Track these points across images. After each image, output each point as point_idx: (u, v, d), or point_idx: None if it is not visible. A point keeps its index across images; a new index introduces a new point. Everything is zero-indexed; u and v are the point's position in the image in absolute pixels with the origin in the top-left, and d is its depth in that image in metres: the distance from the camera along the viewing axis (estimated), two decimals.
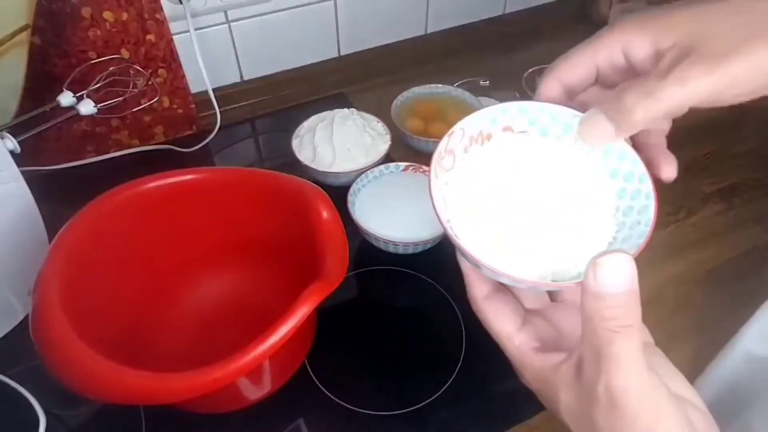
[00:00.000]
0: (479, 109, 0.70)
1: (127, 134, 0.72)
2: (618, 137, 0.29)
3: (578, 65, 0.31)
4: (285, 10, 0.78)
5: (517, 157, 0.32)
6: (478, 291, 0.31)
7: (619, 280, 0.23)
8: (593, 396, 0.26)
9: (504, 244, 0.30)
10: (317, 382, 0.49)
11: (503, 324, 0.31)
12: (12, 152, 0.52)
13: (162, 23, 0.66)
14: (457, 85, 0.77)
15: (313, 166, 0.64)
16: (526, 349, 0.30)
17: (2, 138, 0.52)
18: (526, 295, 0.33)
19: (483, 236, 0.30)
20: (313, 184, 0.48)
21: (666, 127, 0.33)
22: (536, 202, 0.31)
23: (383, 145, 0.66)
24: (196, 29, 0.71)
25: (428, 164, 0.67)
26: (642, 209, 0.30)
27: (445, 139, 0.32)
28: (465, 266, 0.32)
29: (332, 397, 0.49)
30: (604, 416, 0.26)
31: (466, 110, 0.73)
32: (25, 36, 0.56)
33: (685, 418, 0.26)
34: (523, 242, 0.30)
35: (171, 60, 0.69)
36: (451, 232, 0.29)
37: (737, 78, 0.26)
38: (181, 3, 0.68)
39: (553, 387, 0.28)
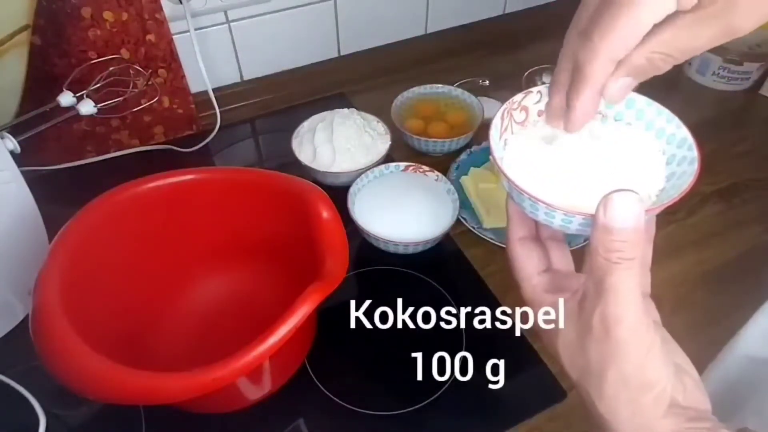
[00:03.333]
0: (479, 108, 0.71)
1: (127, 134, 0.72)
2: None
3: (633, 35, 0.26)
4: (285, 10, 0.78)
5: (584, 132, 0.33)
6: (514, 232, 0.34)
7: (627, 215, 0.25)
8: (588, 326, 0.27)
9: (553, 191, 0.31)
10: (317, 382, 0.49)
11: (527, 265, 0.33)
12: (12, 152, 0.52)
13: (162, 23, 0.66)
14: (457, 85, 0.77)
15: (313, 166, 0.64)
16: (540, 290, 0.33)
17: (2, 138, 0.52)
18: (558, 255, 0.35)
19: (533, 180, 0.31)
20: (313, 184, 0.48)
21: None
22: (591, 164, 0.32)
23: (383, 145, 0.66)
24: (196, 29, 0.71)
25: (428, 164, 0.67)
26: (690, 161, 0.31)
27: (522, 94, 0.35)
28: (511, 208, 0.34)
29: (332, 397, 0.49)
30: (596, 347, 0.27)
31: (466, 110, 0.74)
32: (25, 36, 0.56)
33: (673, 368, 0.28)
34: (573, 190, 0.31)
35: (171, 60, 0.69)
36: (499, 165, 0.31)
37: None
38: (181, 3, 0.68)
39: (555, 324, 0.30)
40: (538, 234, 0.35)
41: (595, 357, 0.28)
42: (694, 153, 0.31)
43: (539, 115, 0.35)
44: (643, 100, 0.34)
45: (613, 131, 0.34)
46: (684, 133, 0.32)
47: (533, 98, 0.35)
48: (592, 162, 0.32)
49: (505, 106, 0.34)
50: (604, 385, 0.27)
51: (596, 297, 0.27)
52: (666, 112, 0.33)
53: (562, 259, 0.35)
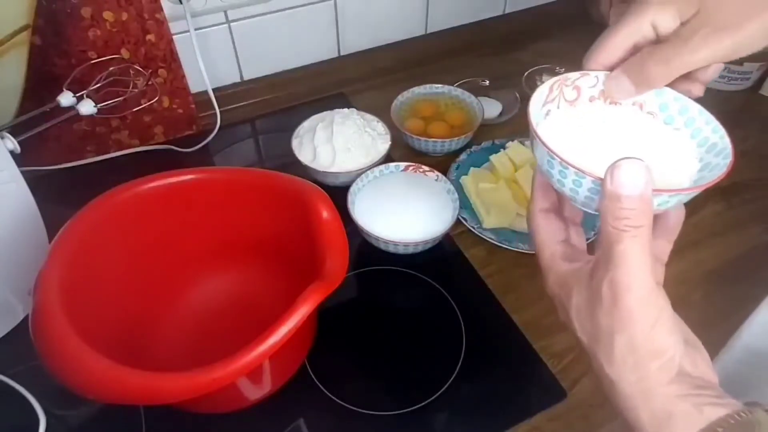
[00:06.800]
0: (479, 108, 0.71)
1: (127, 134, 0.72)
2: (636, 95, 0.34)
3: (617, 48, 0.34)
4: (285, 10, 0.78)
5: (628, 128, 0.36)
6: (538, 204, 0.35)
7: (634, 182, 0.26)
8: (598, 294, 0.28)
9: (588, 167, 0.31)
10: (317, 382, 0.49)
11: (546, 234, 0.34)
12: (12, 152, 0.52)
13: (162, 23, 0.66)
14: (457, 85, 0.77)
15: (313, 166, 0.64)
16: (558, 257, 0.33)
17: (2, 138, 0.52)
18: (575, 234, 0.36)
19: (566, 154, 0.31)
20: (313, 184, 0.48)
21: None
22: (625, 155, 0.32)
23: (383, 145, 0.66)
24: (196, 29, 0.71)
25: (428, 164, 0.67)
26: (722, 153, 0.33)
27: (579, 73, 0.35)
28: (537, 182, 0.35)
29: (332, 397, 0.49)
30: (606, 315, 0.28)
31: (466, 110, 0.74)
32: (25, 36, 0.56)
33: (683, 340, 0.29)
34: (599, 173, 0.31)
35: (171, 60, 0.69)
36: (534, 128, 0.32)
37: (744, 44, 0.31)
38: (181, 3, 0.68)
39: (568, 290, 0.31)
40: (560, 210, 0.36)
41: (605, 324, 0.28)
42: (727, 161, 0.31)
43: (591, 101, 0.36)
44: (695, 108, 0.35)
45: (657, 132, 0.35)
46: (726, 143, 0.32)
47: (589, 81, 0.36)
48: (626, 154, 0.32)
49: (557, 78, 0.35)
50: (612, 351, 0.28)
51: (605, 265, 0.28)
52: (714, 123, 0.34)
53: (578, 239, 0.36)
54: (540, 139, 0.30)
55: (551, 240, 0.34)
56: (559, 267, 0.33)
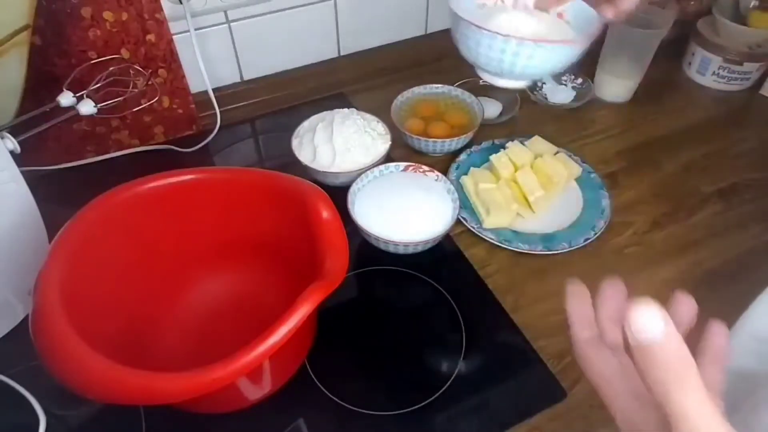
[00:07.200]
0: (479, 108, 0.73)
1: (127, 134, 0.72)
2: (558, 5, 0.50)
3: None
4: (285, 10, 0.78)
5: (547, 31, 0.49)
6: (580, 335, 0.31)
7: (652, 324, 0.23)
8: None
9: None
10: (317, 382, 0.49)
11: (602, 363, 0.30)
12: (12, 152, 0.52)
13: (162, 23, 0.66)
14: (457, 85, 0.77)
15: (313, 166, 0.64)
16: (622, 393, 0.29)
17: (2, 138, 0.52)
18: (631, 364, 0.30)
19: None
20: (313, 184, 0.48)
21: None
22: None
23: (383, 145, 0.66)
24: (196, 29, 0.71)
25: (428, 164, 0.67)
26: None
27: None
28: (572, 310, 0.31)
29: (332, 397, 0.49)
30: None
31: (466, 110, 0.74)
32: (25, 36, 0.56)
33: None
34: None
35: (171, 60, 0.69)
36: (453, 8, 0.47)
37: None
38: (181, 3, 0.68)
39: None
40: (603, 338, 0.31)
41: None
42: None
43: (525, 8, 0.51)
44: (595, 17, 0.47)
45: (568, 35, 0.50)
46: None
47: None
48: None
49: None
50: None
51: (671, 425, 0.24)
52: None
53: (633, 366, 0.30)
54: (458, 15, 0.45)
55: (610, 371, 0.29)
56: (628, 406, 0.28)
